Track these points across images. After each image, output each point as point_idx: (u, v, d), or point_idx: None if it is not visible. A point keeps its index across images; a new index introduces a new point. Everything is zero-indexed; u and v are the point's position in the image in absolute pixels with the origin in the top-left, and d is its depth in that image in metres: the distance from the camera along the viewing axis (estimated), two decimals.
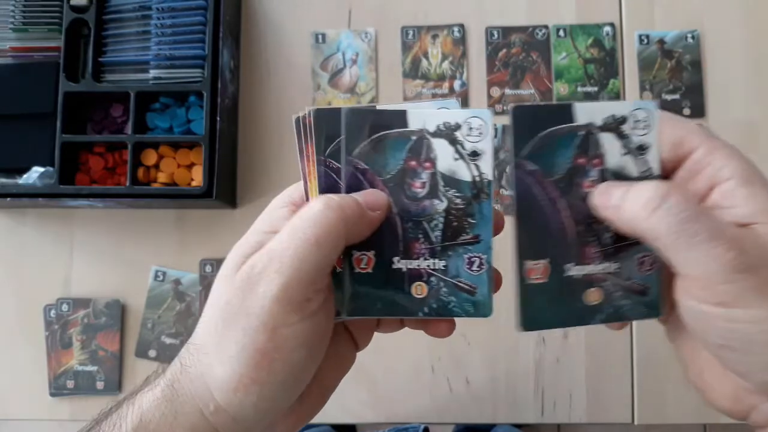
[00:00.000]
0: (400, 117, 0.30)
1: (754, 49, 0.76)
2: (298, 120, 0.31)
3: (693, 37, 0.77)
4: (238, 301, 0.28)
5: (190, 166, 0.73)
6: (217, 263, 0.75)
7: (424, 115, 0.30)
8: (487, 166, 0.31)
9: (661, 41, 0.77)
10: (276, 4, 0.80)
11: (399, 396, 0.73)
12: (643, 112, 0.30)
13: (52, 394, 0.74)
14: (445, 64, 0.78)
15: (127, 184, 0.69)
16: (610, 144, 0.30)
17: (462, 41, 0.78)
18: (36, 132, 0.71)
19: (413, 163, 0.30)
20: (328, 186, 0.31)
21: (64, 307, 0.75)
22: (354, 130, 0.30)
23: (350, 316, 0.31)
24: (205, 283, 0.75)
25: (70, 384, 0.74)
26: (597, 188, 0.29)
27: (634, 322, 0.72)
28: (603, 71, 0.77)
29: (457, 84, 0.77)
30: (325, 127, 0.31)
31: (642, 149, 0.30)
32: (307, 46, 0.79)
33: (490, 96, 0.77)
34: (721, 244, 0.26)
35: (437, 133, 0.30)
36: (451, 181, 0.30)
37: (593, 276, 0.30)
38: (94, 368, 0.74)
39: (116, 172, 0.73)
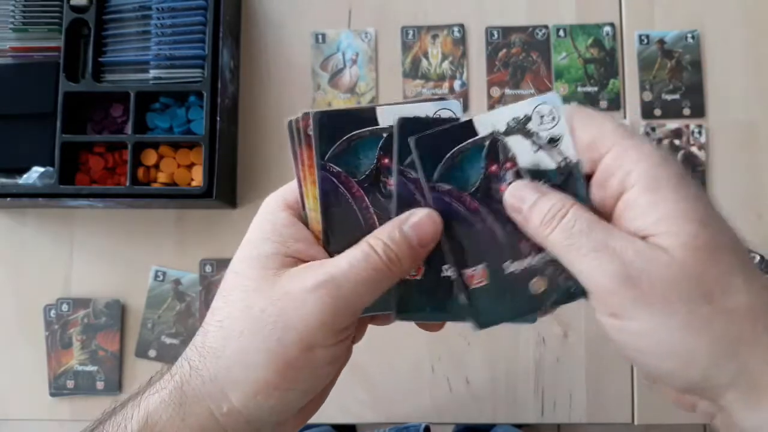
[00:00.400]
0: (469, 128, 0.30)
1: (754, 49, 0.76)
2: (290, 123, 0.31)
3: (693, 37, 0.77)
4: (276, 312, 0.28)
5: (190, 166, 0.73)
6: (217, 263, 0.75)
7: (492, 118, 0.30)
8: (568, 148, 0.30)
9: (661, 41, 0.77)
10: (276, 4, 0.80)
11: (399, 396, 0.73)
12: (546, 107, 0.30)
13: (52, 394, 0.74)
14: (445, 64, 0.78)
15: (127, 184, 0.69)
16: (518, 145, 0.30)
17: (462, 41, 0.78)
18: (36, 132, 0.71)
19: (494, 168, 0.30)
20: (327, 191, 0.31)
21: (64, 307, 0.75)
22: (427, 154, 0.30)
23: (485, 327, 0.31)
24: (205, 283, 0.75)
25: (70, 384, 0.74)
26: (510, 187, 0.30)
27: None
28: (603, 71, 0.77)
29: (457, 84, 0.77)
30: (326, 130, 0.31)
31: (553, 141, 0.30)
32: (307, 46, 0.79)
33: (490, 96, 0.77)
34: (604, 256, 0.26)
35: (509, 131, 0.30)
36: (538, 173, 0.30)
37: (533, 267, 0.31)
38: (94, 368, 0.74)
39: (116, 172, 0.73)
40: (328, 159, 0.30)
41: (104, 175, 0.72)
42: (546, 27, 0.78)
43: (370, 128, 0.30)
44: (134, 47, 0.72)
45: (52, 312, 0.75)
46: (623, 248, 0.26)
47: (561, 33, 0.78)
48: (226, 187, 0.73)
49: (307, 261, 0.30)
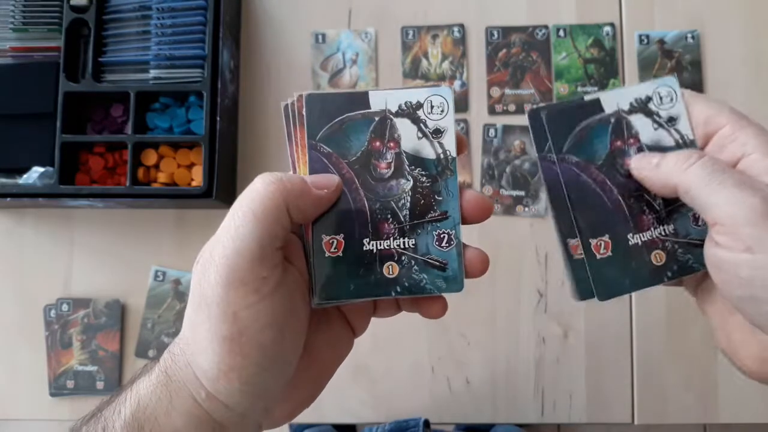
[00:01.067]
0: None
1: (754, 49, 0.76)
2: (287, 106, 0.32)
3: (693, 37, 0.77)
4: (198, 290, 0.29)
5: (190, 166, 0.73)
6: None
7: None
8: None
9: (661, 41, 0.77)
10: (276, 4, 0.80)
11: (399, 396, 0.73)
12: (665, 88, 0.33)
13: (52, 394, 0.74)
14: (445, 64, 0.78)
15: (127, 184, 0.69)
16: (641, 123, 0.33)
17: (462, 41, 0.78)
18: (36, 132, 0.71)
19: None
20: (317, 170, 0.31)
21: (64, 307, 0.75)
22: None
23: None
24: None
25: (70, 384, 0.74)
26: (634, 157, 0.33)
27: (636, 322, 0.72)
28: (603, 71, 0.77)
29: (457, 84, 0.77)
30: (317, 111, 0.32)
31: (672, 120, 0.33)
32: (307, 46, 0.79)
33: (490, 96, 0.77)
34: (746, 189, 0.28)
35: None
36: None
37: (653, 240, 0.32)
38: (94, 368, 0.74)
39: (116, 172, 0.73)
40: (318, 139, 0.31)
41: (104, 175, 0.72)
42: (546, 27, 0.78)
43: (362, 111, 0.31)
44: (134, 47, 0.72)
45: (52, 312, 0.75)
46: (762, 187, 0.28)
47: (561, 33, 0.78)
48: (226, 187, 0.73)
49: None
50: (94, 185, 0.71)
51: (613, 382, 0.72)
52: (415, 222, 0.32)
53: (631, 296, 0.73)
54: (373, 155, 0.31)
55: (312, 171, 0.31)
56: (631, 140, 0.33)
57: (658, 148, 0.32)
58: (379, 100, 0.31)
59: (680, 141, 0.32)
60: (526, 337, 0.73)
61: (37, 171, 0.70)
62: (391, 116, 0.31)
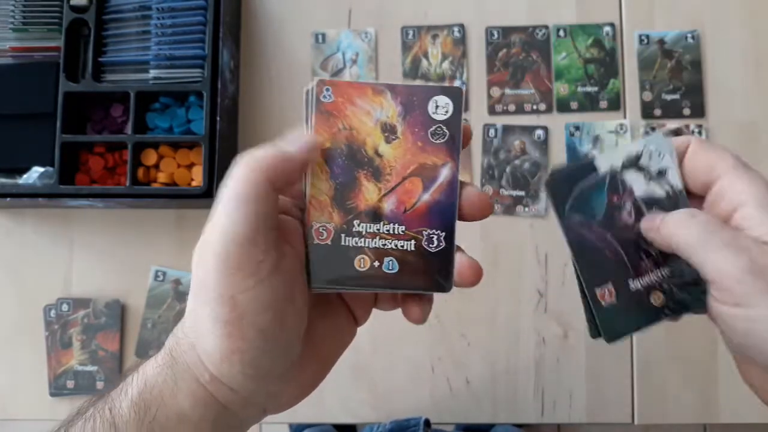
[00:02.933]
0: (590, 167, 0.36)
1: (754, 49, 0.76)
2: (308, 92, 0.33)
3: (693, 37, 0.77)
4: (197, 275, 0.29)
5: (190, 166, 0.73)
6: None
7: (609, 157, 0.36)
8: (674, 178, 0.35)
9: (661, 41, 0.77)
10: (276, 4, 0.80)
11: (399, 395, 0.73)
12: (653, 145, 0.36)
13: (52, 394, 0.74)
14: (445, 64, 0.78)
15: (127, 184, 0.69)
16: (633, 178, 0.36)
17: (462, 41, 0.78)
18: (36, 132, 0.71)
19: (615, 199, 0.35)
20: (572, 240, 0.36)
21: (64, 307, 0.75)
22: (558, 193, 0.36)
23: (614, 341, 0.36)
24: None
25: (70, 384, 0.74)
26: (644, 218, 0.36)
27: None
28: (603, 71, 0.77)
29: (457, 84, 0.77)
30: (560, 190, 0.36)
31: (662, 173, 0.36)
32: (307, 46, 0.79)
33: (490, 96, 0.77)
34: (735, 250, 0.30)
35: (625, 167, 0.36)
36: (651, 201, 0.35)
37: (652, 283, 0.36)
38: (94, 368, 0.74)
39: (116, 172, 0.73)
40: (568, 212, 0.35)
41: (104, 175, 0.72)
42: (546, 27, 0.78)
43: (594, 177, 0.36)
44: (134, 47, 0.72)
45: (52, 312, 0.75)
46: (750, 246, 0.31)
47: (561, 33, 0.78)
48: None
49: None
50: (94, 185, 0.71)
51: (613, 382, 0.72)
52: (665, 252, 0.36)
53: None
54: (615, 209, 0.35)
55: (571, 243, 0.35)
56: (626, 195, 0.36)
57: (651, 200, 0.36)
58: (605, 162, 0.36)
59: (670, 192, 0.35)
60: (526, 337, 0.73)
61: (37, 171, 0.70)
62: (618, 172, 0.36)
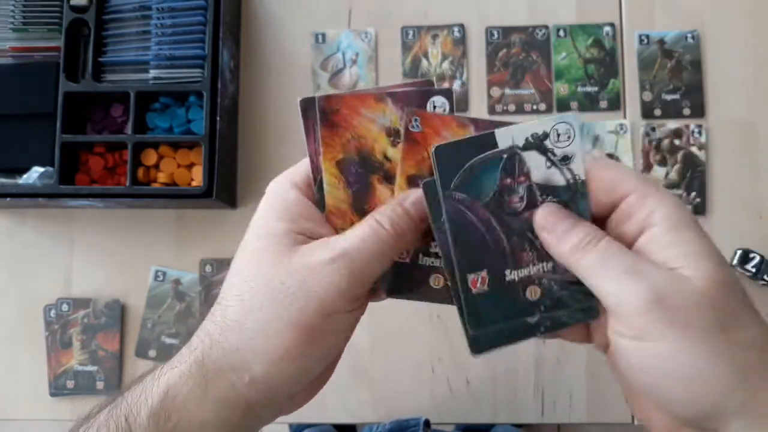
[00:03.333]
0: (488, 139, 0.32)
1: (754, 49, 0.76)
2: (303, 101, 0.33)
3: (693, 37, 0.77)
4: (296, 283, 0.30)
5: (190, 166, 0.73)
6: (217, 263, 0.75)
7: (512, 131, 0.32)
8: (579, 167, 0.32)
9: (661, 41, 0.77)
10: (276, 4, 0.80)
11: (399, 396, 0.73)
12: (564, 125, 0.32)
13: (52, 394, 0.74)
14: (445, 64, 0.78)
15: (127, 184, 0.69)
16: (534, 160, 0.32)
17: (462, 41, 0.78)
18: (36, 132, 0.71)
19: (508, 180, 0.32)
20: (455, 219, 0.33)
21: (64, 307, 0.75)
22: (447, 164, 0.32)
23: (481, 353, 0.33)
24: (205, 283, 0.75)
25: (70, 384, 0.74)
26: (542, 208, 0.32)
27: None
28: (603, 71, 0.77)
29: (457, 84, 0.78)
30: (447, 161, 0.32)
31: (566, 159, 0.32)
32: (307, 46, 0.79)
33: (490, 96, 0.77)
34: (634, 278, 0.28)
35: (527, 146, 0.32)
36: (547, 189, 0.33)
37: (530, 277, 0.33)
38: (94, 368, 0.74)
39: (116, 172, 0.73)
40: (453, 188, 0.32)
41: (104, 175, 0.72)
42: (546, 27, 0.78)
43: (491, 152, 0.32)
44: (134, 47, 0.72)
45: (52, 312, 0.75)
46: (652, 273, 0.28)
47: (561, 33, 0.78)
48: (226, 187, 0.73)
49: (317, 239, 0.32)
50: (94, 185, 0.71)
51: (613, 382, 0.72)
52: None
53: None
54: (505, 191, 0.33)
55: (451, 221, 0.32)
56: (522, 178, 0.32)
57: (548, 188, 0.32)
58: (506, 138, 0.32)
59: (571, 180, 0.32)
60: None
61: (37, 171, 0.70)
62: (519, 151, 0.32)
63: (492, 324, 0.33)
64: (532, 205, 0.32)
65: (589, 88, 0.77)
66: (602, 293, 0.29)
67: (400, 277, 0.34)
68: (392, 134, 0.34)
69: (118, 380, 0.74)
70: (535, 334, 0.34)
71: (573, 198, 0.32)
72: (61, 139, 0.70)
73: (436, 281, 0.35)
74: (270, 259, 0.31)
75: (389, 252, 0.32)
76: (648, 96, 0.76)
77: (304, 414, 0.76)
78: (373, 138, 0.34)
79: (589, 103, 0.77)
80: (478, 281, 0.33)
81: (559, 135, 0.32)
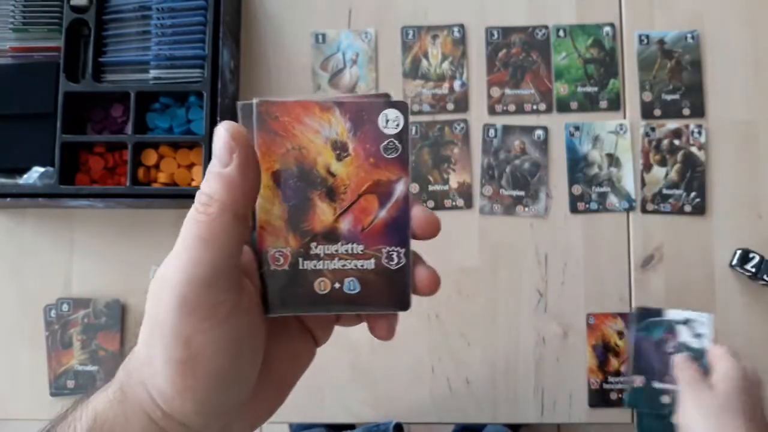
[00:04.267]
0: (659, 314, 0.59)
1: (754, 49, 0.76)
2: (242, 108, 0.32)
3: (693, 38, 0.77)
4: (151, 312, 0.28)
5: (190, 166, 0.73)
6: None
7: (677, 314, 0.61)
8: (705, 343, 0.63)
9: (661, 41, 0.77)
10: (276, 4, 0.80)
11: (399, 396, 0.73)
12: (699, 324, 0.63)
13: (53, 394, 0.74)
14: (445, 65, 0.78)
15: (127, 184, 0.69)
16: (682, 330, 0.63)
17: (462, 41, 0.78)
18: (36, 132, 0.71)
19: (668, 336, 0.64)
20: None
21: (65, 307, 0.75)
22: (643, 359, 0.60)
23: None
24: None
25: (71, 384, 0.74)
26: (680, 357, 0.64)
27: None
28: (603, 71, 0.77)
29: (457, 84, 0.77)
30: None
31: (699, 335, 0.63)
32: (307, 46, 0.79)
33: (490, 96, 0.77)
34: (703, 394, 0.58)
35: (679, 322, 0.68)
36: (685, 346, 0.63)
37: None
38: (94, 368, 0.74)
39: (116, 172, 0.73)
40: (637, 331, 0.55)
41: (104, 175, 0.72)
42: (546, 27, 0.78)
43: (662, 321, 0.59)
44: (134, 47, 0.72)
45: (53, 312, 0.75)
46: (710, 399, 0.49)
47: (561, 33, 0.78)
48: None
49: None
50: (94, 185, 0.71)
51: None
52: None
53: (630, 296, 0.73)
54: (666, 341, 0.61)
55: (638, 350, 0.52)
56: (672, 337, 0.66)
57: (686, 346, 0.64)
58: (672, 315, 0.55)
59: (699, 348, 0.61)
60: (526, 337, 0.73)
61: (37, 171, 0.70)
62: (675, 324, 0.58)
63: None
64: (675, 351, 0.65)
65: (588, 88, 0.77)
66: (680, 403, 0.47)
67: (278, 288, 0.31)
68: (338, 147, 0.31)
69: None
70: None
71: (698, 357, 0.62)
72: (61, 139, 0.70)
73: (323, 285, 0.31)
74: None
75: (215, 240, 0.27)
76: (648, 96, 0.76)
77: (304, 414, 0.76)
78: (316, 150, 0.31)
79: (589, 103, 0.77)
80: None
81: (696, 324, 0.59)
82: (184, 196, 0.71)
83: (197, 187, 0.69)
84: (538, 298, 0.74)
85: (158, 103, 0.73)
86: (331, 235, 0.31)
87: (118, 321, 0.74)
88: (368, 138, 0.32)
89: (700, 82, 0.76)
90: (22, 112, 0.72)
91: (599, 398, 0.72)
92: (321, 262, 0.31)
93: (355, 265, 0.31)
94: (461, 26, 0.78)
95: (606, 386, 0.72)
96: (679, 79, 0.76)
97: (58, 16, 0.72)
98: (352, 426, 0.80)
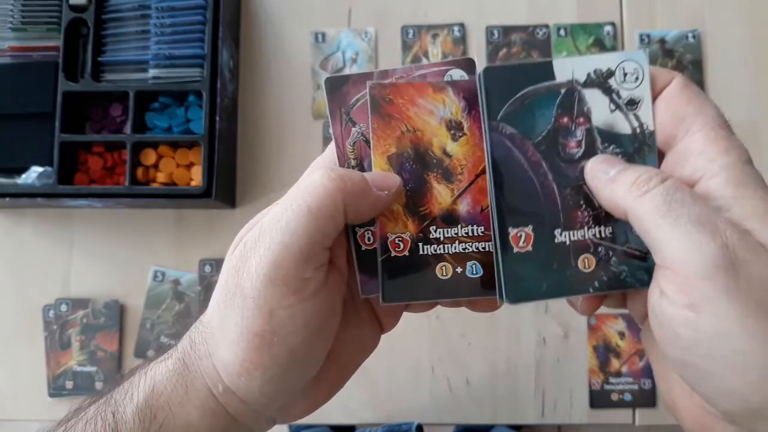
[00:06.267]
0: (545, 69, 0.28)
1: (755, 49, 0.76)
2: (329, 81, 0.31)
3: (694, 37, 0.77)
4: (234, 280, 0.27)
5: (189, 166, 0.72)
6: (217, 263, 0.75)
7: (573, 63, 0.28)
8: (647, 115, 0.28)
9: (662, 41, 0.77)
10: (275, 3, 0.80)
11: (399, 396, 0.73)
12: (632, 64, 0.28)
13: (51, 395, 0.74)
14: None
15: (126, 184, 0.69)
16: (596, 100, 0.28)
17: (462, 41, 0.78)
18: (35, 132, 0.71)
19: (565, 120, 0.28)
20: (499, 157, 0.29)
21: (63, 308, 0.74)
22: (494, 89, 0.28)
23: (517, 302, 0.29)
24: (205, 283, 0.75)
25: (69, 384, 0.73)
26: (595, 157, 0.28)
27: None
28: None
29: None
30: (497, 87, 0.28)
31: (633, 104, 0.28)
32: (307, 46, 0.79)
33: None
34: (705, 231, 0.23)
35: (588, 83, 0.28)
36: (610, 136, 0.28)
37: (584, 242, 0.28)
38: (93, 369, 0.74)
39: (115, 172, 0.73)
40: (500, 119, 0.28)
41: (103, 175, 0.72)
42: (546, 26, 0.78)
43: (546, 83, 0.28)
44: (133, 47, 0.72)
45: (51, 312, 0.74)
46: (728, 231, 0.23)
47: (561, 32, 0.77)
48: (225, 187, 0.73)
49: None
50: (93, 185, 0.71)
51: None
52: None
53: None
54: (560, 133, 0.28)
55: (494, 156, 0.28)
56: (581, 119, 0.28)
57: (611, 135, 0.28)
58: (565, 70, 0.28)
59: (638, 129, 0.28)
60: (526, 337, 0.73)
61: (35, 171, 0.70)
62: (579, 87, 0.28)
63: (532, 296, 0.28)
64: (590, 152, 0.28)
65: None
66: (659, 243, 0.24)
67: (398, 275, 0.30)
68: (453, 127, 0.30)
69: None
70: (586, 290, 0.29)
71: (639, 150, 0.28)
72: (60, 138, 0.69)
73: (444, 270, 0.30)
74: (229, 254, 0.29)
75: (322, 213, 0.27)
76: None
77: None
78: (431, 132, 0.30)
79: None
80: (521, 239, 0.28)
81: (626, 74, 0.28)
82: (184, 196, 0.70)
83: (197, 187, 0.68)
84: None
85: (157, 102, 0.73)
86: (450, 218, 0.30)
87: (116, 321, 0.74)
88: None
89: (700, 82, 0.76)
90: (21, 112, 0.72)
91: (600, 399, 0.72)
92: (441, 246, 0.30)
93: (477, 248, 0.30)
94: (461, 25, 0.78)
95: (607, 387, 0.72)
96: None
97: (57, 15, 0.71)
98: (352, 427, 0.79)
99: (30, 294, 0.75)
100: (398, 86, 0.30)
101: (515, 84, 0.28)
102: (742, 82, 0.76)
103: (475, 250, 0.30)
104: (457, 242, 0.30)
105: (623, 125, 0.28)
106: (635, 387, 0.72)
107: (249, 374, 0.27)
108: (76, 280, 0.76)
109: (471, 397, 0.73)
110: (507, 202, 0.28)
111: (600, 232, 0.28)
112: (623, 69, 0.28)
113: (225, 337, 0.27)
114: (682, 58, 0.76)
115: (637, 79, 0.28)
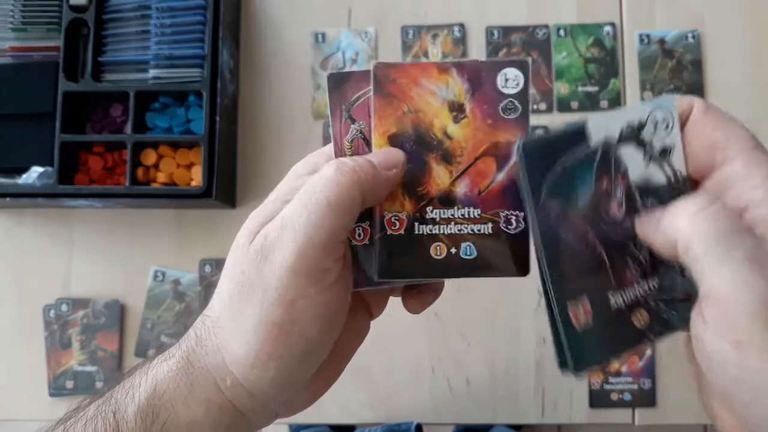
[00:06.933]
0: (580, 133, 0.28)
1: (755, 49, 0.76)
2: (332, 76, 0.31)
3: (694, 37, 0.77)
4: (253, 272, 0.28)
5: (189, 166, 0.72)
6: (217, 263, 0.75)
7: (605, 121, 0.28)
8: (679, 160, 0.27)
9: (662, 41, 0.77)
10: (276, 3, 0.80)
11: (399, 396, 0.73)
12: (661, 112, 0.28)
13: (52, 395, 0.74)
14: None
15: (127, 184, 0.69)
16: (631, 156, 0.28)
17: (462, 41, 0.78)
18: (35, 132, 0.71)
19: (605, 183, 0.28)
20: (547, 233, 0.28)
21: (64, 308, 0.74)
22: (533, 163, 0.27)
23: (582, 372, 0.29)
24: (205, 283, 0.75)
25: (70, 384, 0.73)
26: (639, 218, 0.28)
27: None
28: (603, 71, 0.77)
29: None
30: (535, 159, 0.28)
31: (665, 153, 0.28)
32: (307, 46, 0.79)
33: None
34: (758, 268, 0.22)
35: (623, 139, 0.28)
36: (648, 191, 0.28)
37: (636, 299, 0.28)
38: (93, 368, 0.74)
39: (115, 172, 0.73)
40: (543, 194, 0.28)
41: (103, 175, 0.72)
42: (546, 26, 0.78)
43: (583, 150, 0.28)
44: (134, 47, 0.72)
45: (52, 312, 0.74)
46: None
47: (561, 32, 0.77)
48: (225, 187, 0.73)
49: None
50: (93, 185, 0.71)
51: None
52: (656, 259, 0.28)
53: None
54: (602, 198, 0.28)
55: (543, 237, 0.27)
56: (619, 178, 0.27)
57: (649, 189, 0.27)
58: (599, 129, 0.28)
59: (672, 179, 0.27)
60: (526, 337, 0.73)
61: (36, 171, 0.70)
62: (614, 145, 0.28)
63: (596, 363, 0.29)
64: (632, 210, 0.28)
65: (589, 88, 0.77)
66: (711, 273, 0.23)
67: (393, 252, 0.30)
68: (455, 109, 0.30)
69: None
70: (643, 344, 0.29)
71: (677, 198, 0.27)
72: (60, 138, 0.70)
73: (438, 250, 0.30)
74: (242, 246, 0.29)
75: (342, 206, 0.28)
76: (649, 96, 0.76)
77: (303, 414, 0.76)
78: (433, 113, 0.30)
79: (589, 103, 0.76)
80: (581, 314, 0.28)
81: (656, 124, 0.28)
82: (184, 196, 0.71)
83: (197, 187, 0.67)
84: (538, 298, 0.74)
85: (157, 102, 0.73)
86: (447, 199, 0.31)
87: (117, 321, 0.74)
88: (486, 99, 0.31)
89: (700, 82, 0.76)
90: (21, 112, 0.72)
91: (600, 399, 0.72)
92: (437, 226, 0.31)
93: (472, 230, 0.31)
94: (461, 25, 0.78)
95: (607, 387, 0.72)
96: (679, 78, 0.76)
97: (58, 15, 0.72)
98: (352, 427, 0.79)
99: (30, 294, 0.75)
100: (403, 66, 0.30)
101: (553, 153, 0.28)
102: (742, 82, 0.76)
103: (470, 232, 0.30)
104: (452, 223, 0.30)
105: (659, 176, 0.28)
106: (635, 387, 0.72)
107: (263, 365, 0.27)
108: (76, 280, 0.76)
109: (471, 396, 0.73)
110: (561, 277, 0.28)
111: (649, 286, 0.28)
112: (654, 118, 0.28)
113: (238, 330, 0.28)
114: (682, 58, 0.76)
115: (667, 126, 0.28)
